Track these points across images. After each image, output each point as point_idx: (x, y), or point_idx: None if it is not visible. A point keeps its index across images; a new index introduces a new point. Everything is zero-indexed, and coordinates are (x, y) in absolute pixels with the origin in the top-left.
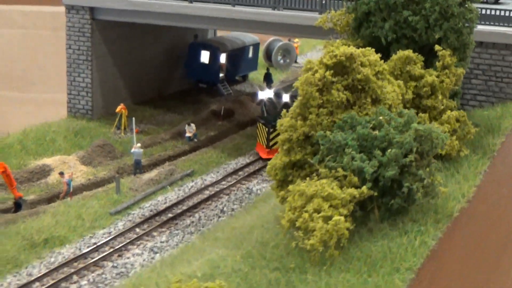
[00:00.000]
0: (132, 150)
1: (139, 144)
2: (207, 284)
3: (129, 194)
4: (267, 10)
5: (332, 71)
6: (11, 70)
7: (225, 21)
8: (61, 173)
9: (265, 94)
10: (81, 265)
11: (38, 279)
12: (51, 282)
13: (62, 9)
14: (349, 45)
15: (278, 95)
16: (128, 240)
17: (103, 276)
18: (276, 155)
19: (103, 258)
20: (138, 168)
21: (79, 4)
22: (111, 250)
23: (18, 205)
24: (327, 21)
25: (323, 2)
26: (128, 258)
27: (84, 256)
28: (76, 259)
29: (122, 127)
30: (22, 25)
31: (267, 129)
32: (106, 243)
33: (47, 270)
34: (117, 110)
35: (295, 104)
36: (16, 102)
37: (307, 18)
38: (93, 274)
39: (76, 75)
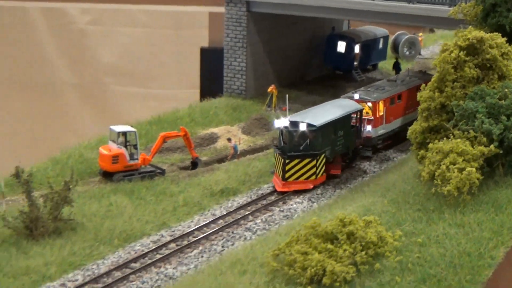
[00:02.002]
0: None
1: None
2: (365, 217)
3: None
4: (403, 3)
5: (465, 52)
6: (135, 67)
7: (365, 13)
8: (229, 139)
9: (281, 123)
10: (253, 209)
11: (221, 217)
12: (231, 220)
13: (187, 8)
14: (479, 31)
15: (294, 124)
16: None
17: (273, 217)
18: (415, 122)
19: (271, 204)
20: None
21: None
22: (276, 198)
23: (194, 164)
24: (458, 12)
25: None
26: (291, 205)
27: (255, 202)
28: (248, 204)
29: (273, 105)
30: (145, 24)
31: (283, 160)
32: (271, 193)
33: (226, 212)
34: (269, 90)
35: (432, 79)
36: (140, 98)
37: (438, 10)
38: (264, 215)
39: (232, 60)
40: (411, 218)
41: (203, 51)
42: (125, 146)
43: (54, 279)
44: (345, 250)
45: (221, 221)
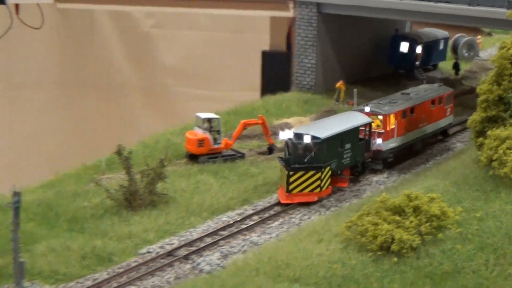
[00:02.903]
0: None
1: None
2: (429, 194)
3: None
4: (463, 6)
5: None
6: (197, 70)
7: (427, 14)
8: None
9: (286, 135)
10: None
11: None
12: None
13: (248, 12)
14: None
15: (299, 136)
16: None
17: (343, 196)
18: (474, 113)
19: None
20: None
21: (309, 0)
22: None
23: (270, 150)
24: None
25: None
26: (360, 186)
27: None
28: None
29: (341, 100)
30: (208, 27)
31: (287, 172)
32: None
33: None
34: (337, 85)
35: (491, 73)
36: (202, 99)
37: (497, 12)
38: (336, 194)
39: (303, 57)
40: (471, 197)
41: (264, 54)
42: (210, 131)
43: (153, 242)
44: (411, 222)
45: None
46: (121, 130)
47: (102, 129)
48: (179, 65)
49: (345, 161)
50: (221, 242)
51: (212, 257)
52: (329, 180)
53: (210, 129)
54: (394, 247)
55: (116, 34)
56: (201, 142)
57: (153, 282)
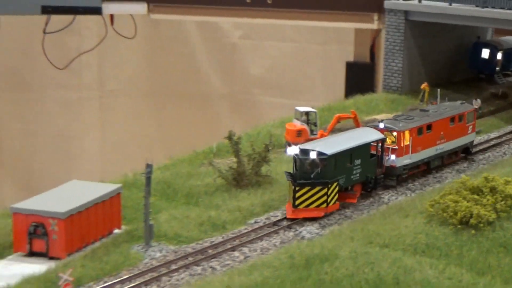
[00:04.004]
0: None
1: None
2: (505, 178)
3: None
4: None
5: None
6: (283, 80)
7: (509, 22)
8: None
9: (293, 150)
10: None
11: None
12: None
13: (334, 24)
14: None
15: (305, 152)
16: None
17: (427, 181)
18: None
19: (426, 172)
20: None
21: (397, 8)
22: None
23: None
24: None
25: None
26: (442, 173)
27: None
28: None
29: (425, 100)
30: (293, 38)
31: (293, 187)
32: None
33: None
34: (422, 86)
35: None
36: (286, 108)
37: None
38: (420, 179)
39: (391, 61)
40: None
41: (349, 65)
42: (307, 123)
43: (260, 215)
44: (488, 200)
45: None
46: (207, 138)
47: (188, 137)
48: (265, 75)
49: (355, 177)
50: (319, 219)
51: (312, 227)
52: (336, 196)
53: (307, 121)
54: (472, 221)
55: (204, 44)
56: (299, 132)
57: (261, 245)
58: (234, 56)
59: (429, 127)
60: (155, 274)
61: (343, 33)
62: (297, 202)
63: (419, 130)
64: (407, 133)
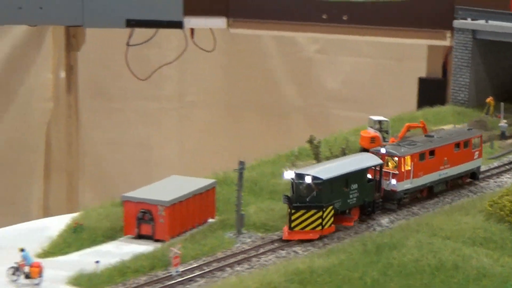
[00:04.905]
0: (500, 124)
1: (505, 121)
2: None
3: (500, 149)
4: None
5: None
6: (357, 94)
7: None
8: None
9: (289, 174)
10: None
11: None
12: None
13: (407, 41)
14: None
15: (300, 176)
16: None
17: (488, 185)
18: None
19: (487, 177)
20: (504, 136)
21: (465, 28)
22: (488, 174)
23: None
24: None
25: None
26: (502, 179)
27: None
28: None
29: (490, 113)
30: (368, 54)
31: (289, 210)
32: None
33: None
34: (487, 100)
35: None
36: (360, 122)
37: None
38: (481, 183)
39: (458, 76)
40: None
41: (421, 80)
42: (380, 131)
43: None
44: None
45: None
46: (281, 149)
47: (263, 148)
48: (339, 89)
49: (351, 201)
50: (389, 211)
51: (382, 221)
52: (331, 219)
53: (380, 129)
54: None
55: (281, 58)
56: (373, 139)
57: (338, 235)
58: (310, 70)
59: (432, 152)
60: (246, 256)
61: (416, 50)
62: (292, 225)
63: (421, 156)
64: (408, 158)
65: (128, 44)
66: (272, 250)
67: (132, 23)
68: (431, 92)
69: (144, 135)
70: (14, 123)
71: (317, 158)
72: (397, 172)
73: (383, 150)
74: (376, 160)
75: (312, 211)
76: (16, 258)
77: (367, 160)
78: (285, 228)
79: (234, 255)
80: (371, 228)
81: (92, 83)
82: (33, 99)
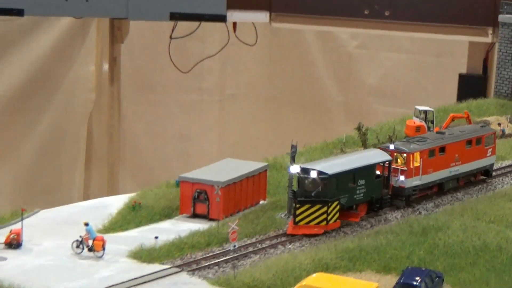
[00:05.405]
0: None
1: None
2: None
3: None
4: None
5: None
6: (397, 89)
7: None
8: (499, 124)
9: (295, 169)
10: None
11: None
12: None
13: (448, 37)
14: None
15: (306, 171)
16: None
17: None
18: None
19: None
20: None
21: (510, 22)
22: None
23: None
24: None
25: None
26: None
27: None
28: None
29: None
30: (409, 50)
31: (294, 204)
32: None
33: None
34: None
35: None
36: (400, 117)
37: None
38: None
39: (502, 70)
40: None
41: (462, 77)
42: (425, 121)
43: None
44: None
45: (493, 173)
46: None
47: (302, 142)
48: (379, 84)
49: (358, 197)
50: (434, 196)
51: (427, 205)
52: (337, 214)
53: (425, 119)
54: None
55: (321, 53)
56: (418, 128)
57: (385, 217)
58: (350, 65)
59: (442, 149)
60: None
61: (457, 46)
62: (297, 219)
63: (431, 152)
64: (417, 155)
65: (171, 37)
66: None
67: (175, 16)
68: (471, 88)
69: (184, 127)
70: (57, 113)
71: (364, 145)
72: (405, 168)
73: (392, 147)
74: (385, 156)
75: (317, 206)
76: (77, 233)
77: (376, 156)
78: (290, 222)
79: (285, 234)
80: (417, 212)
81: (134, 75)
82: (77, 90)
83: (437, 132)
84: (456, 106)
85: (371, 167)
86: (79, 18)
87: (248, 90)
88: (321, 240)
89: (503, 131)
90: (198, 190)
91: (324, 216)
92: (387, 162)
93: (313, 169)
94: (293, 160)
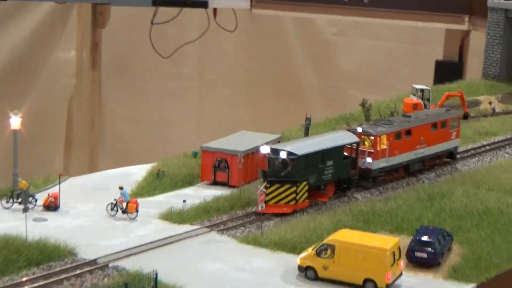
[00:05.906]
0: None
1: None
2: None
3: None
4: None
5: None
6: (373, 76)
7: None
8: (490, 103)
9: (265, 149)
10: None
11: (486, 145)
12: (489, 148)
13: (425, 24)
14: None
15: (276, 151)
16: None
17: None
18: None
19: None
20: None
21: (498, 7)
22: None
23: (465, 116)
24: None
25: None
26: None
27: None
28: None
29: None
30: (385, 37)
31: (264, 184)
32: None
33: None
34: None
35: None
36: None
37: None
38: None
39: (490, 52)
40: None
41: (438, 63)
42: (422, 99)
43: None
44: None
45: (487, 147)
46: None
47: (281, 127)
48: (355, 71)
49: (326, 177)
50: (435, 167)
51: (430, 175)
52: (306, 194)
53: (422, 97)
54: None
55: (300, 40)
56: (415, 106)
57: (392, 185)
58: (328, 51)
59: (408, 132)
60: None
61: (433, 33)
62: (267, 198)
63: (397, 135)
64: (384, 138)
65: (152, 23)
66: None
67: (158, 2)
68: (447, 74)
69: (164, 111)
70: (38, 97)
71: (368, 119)
72: (372, 150)
73: (359, 129)
74: (353, 138)
75: (286, 186)
76: (108, 198)
77: (344, 138)
78: (260, 202)
79: None
80: (420, 181)
81: (116, 59)
82: (58, 75)
83: (403, 115)
84: (448, 86)
85: (339, 149)
86: (61, 3)
87: (227, 75)
88: (335, 205)
89: (493, 109)
90: (219, 159)
91: (293, 195)
92: (355, 144)
93: (283, 150)
94: (307, 131)
